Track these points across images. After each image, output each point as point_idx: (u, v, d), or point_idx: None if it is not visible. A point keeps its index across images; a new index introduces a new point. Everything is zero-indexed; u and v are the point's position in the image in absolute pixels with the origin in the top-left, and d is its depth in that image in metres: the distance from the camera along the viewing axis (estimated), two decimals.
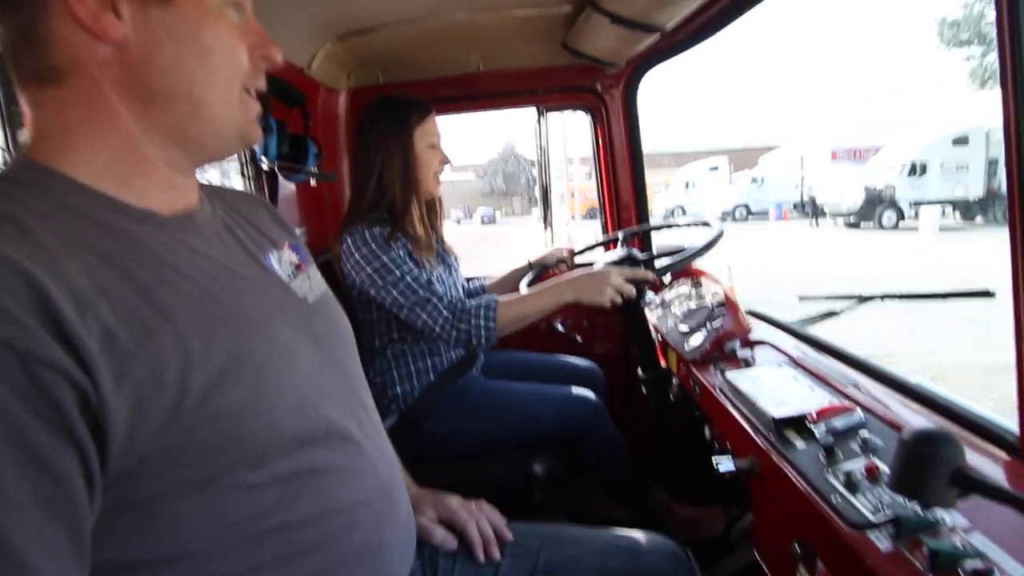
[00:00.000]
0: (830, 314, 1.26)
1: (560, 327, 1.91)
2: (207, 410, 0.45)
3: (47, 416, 0.38)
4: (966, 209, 17.12)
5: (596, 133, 1.89)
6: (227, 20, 0.53)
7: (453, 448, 1.36)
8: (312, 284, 0.66)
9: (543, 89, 1.85)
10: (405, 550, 0.66)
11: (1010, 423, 0.67)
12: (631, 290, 1.24)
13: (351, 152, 1.87)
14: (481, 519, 0.83)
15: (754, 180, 24.39)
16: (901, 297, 1.13)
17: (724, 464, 0.84)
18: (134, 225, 0.49)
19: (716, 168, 26.38)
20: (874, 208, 16.84)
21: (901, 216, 16.56)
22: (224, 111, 0.54)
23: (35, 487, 0.37)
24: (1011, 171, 0.57)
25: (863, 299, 1.18)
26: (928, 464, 0.45)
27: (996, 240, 11.42)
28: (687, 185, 26.36)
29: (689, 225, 1.57)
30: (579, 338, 1.91)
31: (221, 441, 0.47)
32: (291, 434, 0.52)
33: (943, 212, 16.61)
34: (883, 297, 1.14)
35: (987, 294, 1.01)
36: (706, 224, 1.40)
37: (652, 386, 1.43)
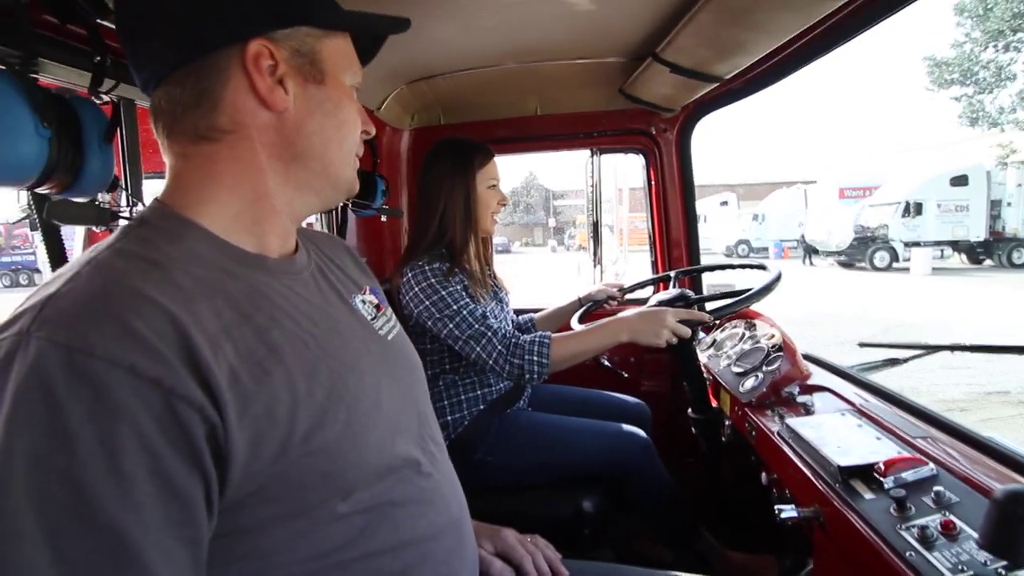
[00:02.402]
0: (892, 362, 1.23)
1: (607, 363, 1.91)
2: (309, 446, 0.50)
3: (183, 448, 0.42)
4: (971, 251, 16.38)
5: (649, 174, 1.92)
6: (354, 99, 0.63)
7: (501, 479, 1.37)
8: (390, 323, 0.71)
9: (598, 132, 1.91)
10: None
11: None
12: (687, 331, 1.24)
13: (412, 188, 1.96)
14: (537, 555, 0.84)
15: (755, 217, 24.23)
16: (971, 349, 1.09)
17: (787, 512, 0.82)
18: (249, 270, 0.55)
19: (726, 203, 26.21)
20: (866, 248, 16.31)
21: (895, 257, 15.96)
22: (344, 170, 0.63)
23: (167, 511, 0.42)
24: None
25: (930, 349, 1.15)
26: (1022, 524, 0.45)
27: (992, 284, 11.40)
28: (702, 219, 26.20)
29: (744, 267, 1.57)
30: (626, 374, 1.91)
31: (317, 476, 0.51)
32: (374, 468, 0.56)
33: (942, 254, 16.09)
34: (952, 348, 1.11)
35: None
36: (762, 267, 1.40)
37: (703, 427, 1.41)
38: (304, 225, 0.74)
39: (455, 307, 1.31)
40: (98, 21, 0.80)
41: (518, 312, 1.71)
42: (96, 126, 0.80)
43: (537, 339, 1.29)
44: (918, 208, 16.16)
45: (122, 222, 0.96)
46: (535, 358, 1.27)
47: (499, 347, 1.29)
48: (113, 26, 0.81)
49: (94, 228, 0.93)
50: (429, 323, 1.33)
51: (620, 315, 1.30)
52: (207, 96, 0.54)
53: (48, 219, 0.83)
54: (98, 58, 0.80)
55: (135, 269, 0.47)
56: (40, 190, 0.79)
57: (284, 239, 0.61)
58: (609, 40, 1.40)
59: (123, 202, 0.96)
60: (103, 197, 0.92)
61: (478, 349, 1.30)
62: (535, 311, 1.74)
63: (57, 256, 0.88)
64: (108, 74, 0.83)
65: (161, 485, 0.41)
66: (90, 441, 0.39)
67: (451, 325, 1.31)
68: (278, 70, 0.55)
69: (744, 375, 1.25)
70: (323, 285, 0.64)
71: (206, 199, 0.55)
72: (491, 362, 1.29)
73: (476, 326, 1.30)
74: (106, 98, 0.88)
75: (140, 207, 0.96)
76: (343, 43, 0.61)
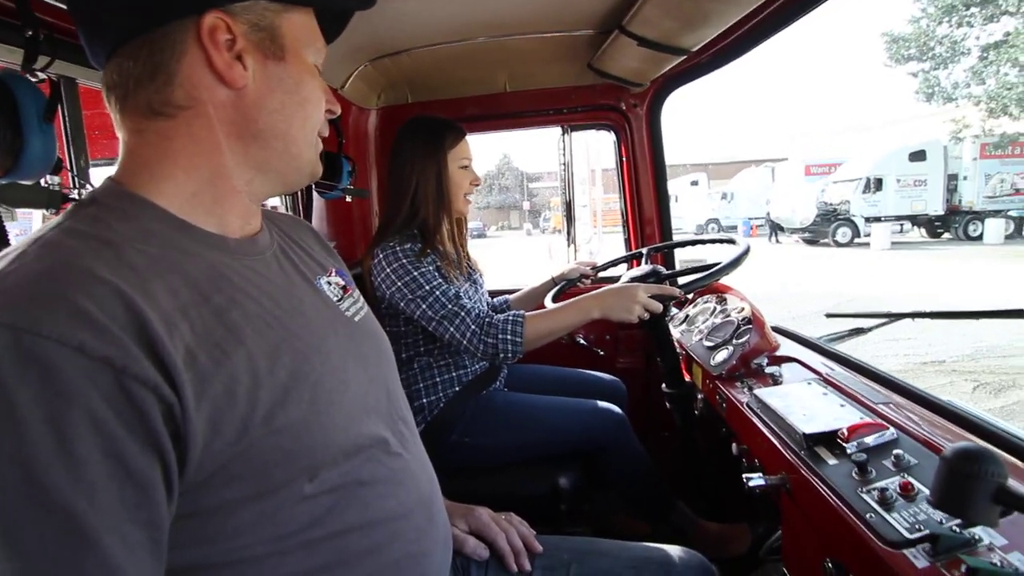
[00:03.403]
0: (857, 331, 1.25)
1: (583, 341, 1.92)
2: (271, 426, 0.49)
3: (137, 428, 0.41)
4: (930, 225, 16.82)
5: (620, 151, 1.91)
6: (317, 77, 0.61)
7: (478, 460, 1.38)
8: (357, 304, 0.70)
9: (568, 108, 1.89)
10: (443, 561, 0.68)
11: None
12: (658, 306, 1.25)
13: (380, 169, 1.92)
14: (511, 531, 0.85)
15: (724, 196, 24.60)
16: (932, 315, 1.12)
17: (755, 480, 0.84)
18: (208, 250, 0.53)
19: (696, 183, 26.49)
20: (829, 224, 16.59)
21: (857, 233, 16.28)
22: (306, 150, 0.61)
23: (123, 493, 0.41)
24: None
25: (892, 317, 1.18)
26: (971, 481, 0.46)
27: (948, 258, 11.81)
28: (673, 199, 26.44)
29: (713, 241, 1.58)
30: (601, 352, 1.92)
31: (281, 455, 0.50)
32: (341, 447, 0.55)
33: (901, 228, 16.48)
34: (913, 315, 1.14)
35: (1022, 314, 1.00)
36: (731, 241, 1.41)
37: (677, 401, 1.43)
38: (268, 208, 0.71)
39: (427, 287, 1.29)
40: None
41: (493, 294, 1.70)
42: (34, 105, 0.76)
43: (511, 318, 1.28)
44: (878, 184, 16.44)
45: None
46: (509, 336, 1.27)
47: (472, 327, 1.28)
48: None
49: (46, 212, 0.89)
50: (402, 304, 1.32)
51: (592, 292, 1.31)
52: (161, 69, 0.52)
53: None
54: (30, 32, 0.76)
55: (85, 248, 0.45)
56: None
57: (245, 220, 0.59)
58: (576, 12, 1.38)
59: (72, 184, 0.92)
60: (53, 180, 0.88)
61: (451, 329, 1.29)
62: (510, 292, 1.74)
63: (0, 242, 0.84)
64: (43, 51, 0.79)
65: (115, 467, 0.40)
66: (39, 424, 0.38)
67: (424, 306, 1.29)
68: (236, 45, 0.53)
69: (715, 348, 1.27)
70: (286, 266, 0.63)
71: (161, 177, 0.53)
72: (465, 342, 1.28)
73: (449, 306, 1.29)
74: (43, 76, 0.83)
75: (88, 188, 0.92)
76: (305, 18, 0.59)
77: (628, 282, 1.35)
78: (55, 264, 0.43)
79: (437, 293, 1.30)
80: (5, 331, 0.39)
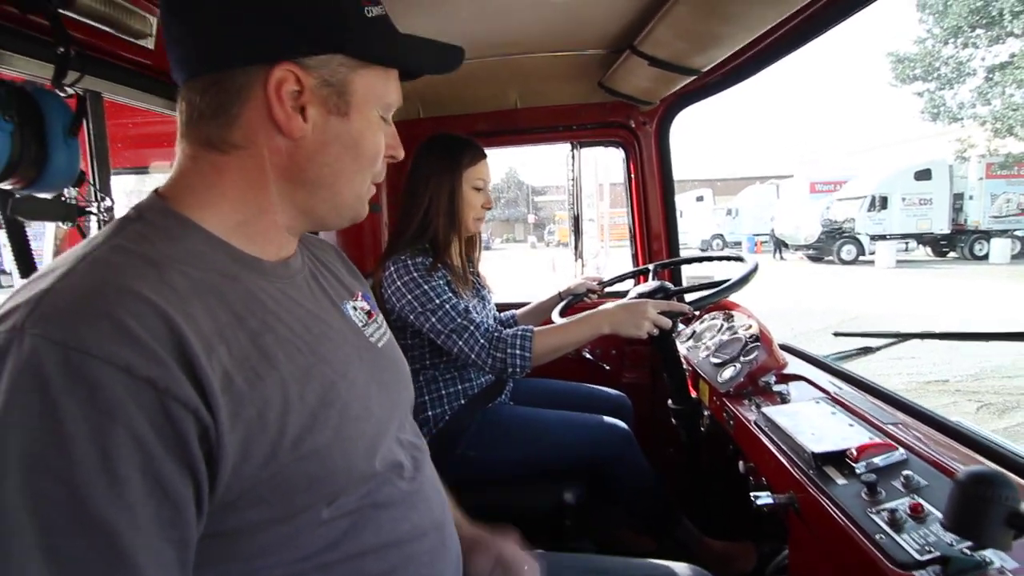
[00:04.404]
0: (866, 350, 1.25)
1: (588, 355, 1.93)
2: (299, 451, 0.50)
3: (175, 449, 0.42)
4: (935, 244, 16.78)
5: (629, 168, 1.93)
6: (381, 128, 0.61)
7: (483, 473, 1.37)
8: (380, 330, 0.71)
9: (578, 125, 1.91)
10: None
11: None
12: (667, 322, 1.25)
13: (392, 184, 1.94)
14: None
15: (728, 212, 24.57)
16: (941, 336, 1.12)
17: (763, 499, 0.84)
18: (246, 272, 0.54)
19: (702, 198, 26.50)
20: (834, 241, 16.60)
21: (861, 251, 16.29)
22: (351, 199, 0.61)
23: (159, 512, 0.41)
24: None
25: (901, 337, 1.18)
26: (985, 505, 0.46)
27: (954, 277, 11.82)
28: (678, 214, 26.42)
29: (722, 259, 1.59)
30: (607, 367, 1.92)
31: (306, 480, 0.51)
32: (362, 473, 0.56)
33: (906, 247, 16.40)
34: (922, 336, 1.14)
35: None
36: (739, 259, 1.42)
37: (683, 417, 1.43)
38: None
39: (438, 301, 1.30)
40: (61, 11, 0.78)
41: (500, 308, 1.71)
42: (60, 119, 0.78)
43: (519, 332, 1.29)
44: (883, 202, 16.45)
45: (93, 219, 0.94)
46: (517, 352, 1.27)
47: (481, 340, 1.29)
48: (77, 16, 0.79)
49: (60, 224, 0.91)
50: (411, 317, 1.32)
51: (601, 307, 1.31)
52: (224, 111, 0.53)
53: (12, 216, 0.81)
54: (61, 49, 0.78)
55: (130, 267, 0.46)
56: (3, 186, 0.77)
57: (281, 247, 0.60)
58: (587, 32, 1.40)
59: (91, 197, 0.94)
60: (70, 192, 0.89)
61: (460, 343, 1.29)
62: (517, 306, 1.74)
63: (22, 255, 0.86)
64: (72, 66, 0.81)
65: (154, 486, 0.41)
66: (85, 441, 0.39)
67: (434, 319, 1.30)
68: (302, 97, 0.53)
69: (722, 365, 1.27)
70: (316, 290, 0.63)
71: (208, 204, 0.54)
72: (473, 356, 1.29)
73: (459, 320, 1.30)
74: (71, 91, 0.85)
75: (108, 202, 0.93)
76: (383, 74, 0.59)
77: (636, 298, 1.36)
78: (103, 282, 0.44)
79: (447, 307, 1.30)
80: (56, 348, 0.39)
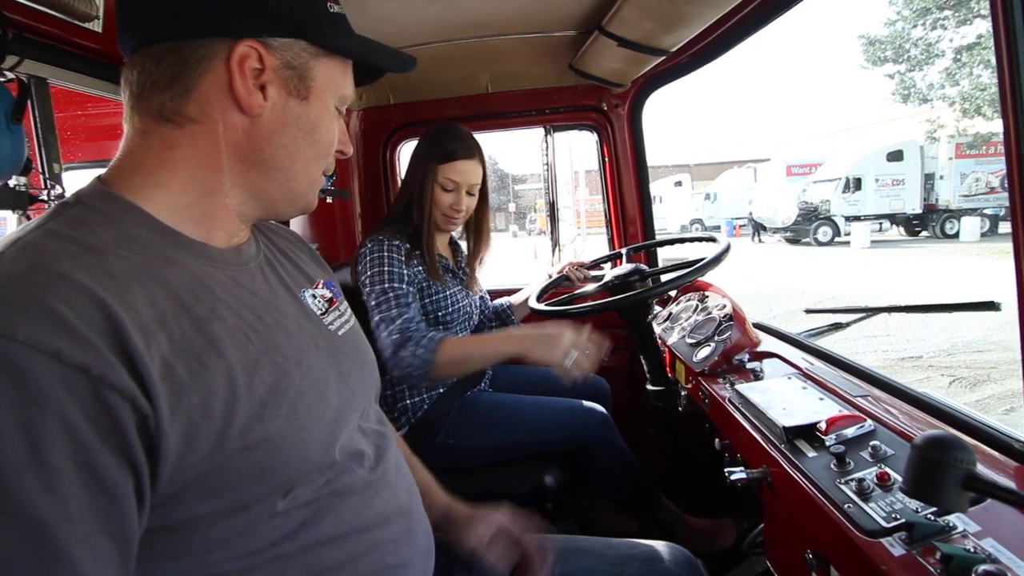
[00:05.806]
0: (836, 326, 1.27)
1: None
2: (247, 440, 0.48)
3: (111, 438, 0.40)
4: (908, 224, 17.17)
5: (602, 151, 1.93)
6: (336, 119, 0.61)
7: (463, 460, 1.37)
8: (343, 318, 0.69)
9: (551, 109, 1.89)
10: (423, 571, 0.67)
11: (1017, 431, 0.69)
12: (586, 365, 1.18)
13: (363, 170, 1.91)
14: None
15: (707, 196, 24.84)
16: (907, 309, 1.14)
17: (736, 474, 0.85)
18: (192, 258, 0.52)
19: (680, 184, 26.77)
20: (810, 223, 16.89)
21: (837, 232, 16.60)
22: (305, 186, 0.61)
23: (94, 504, 0.40)
24: (1012, 182, 0.59)
25: (870, 312, 1.20)
26: (941, 468, 0.46)
27: (926, 255, 12.09)
28: (657, 199, 26.72)
29: (693, 239, 1.59)
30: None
31: (256, 471, 0.49)
32: (317, 464, 0.55)
33: (880, 227, 16.80)
34: (889, 310, 1.16)
35: (992, 306, 1.03)
36: (712, 239, 1.43)
37: (660, 398, 1.44)
38: None
39: (386, 284, 1.29)
40: None
41: (493, 295, 1.70)
42: (1, 105, 0.75)
43: (431, 335, 1.24)
44: (857, 183, 16.75)
45: (47, 207, 0.90)
46: (420, 351, 1.20)
47: (396, 335, 1.23)
48: None
49: (17, 213, 0.87)
50: (363, 291, 1.30)
51: (523, 329, 1.30)
52: (181, 80, 0.51)
53: None
54: None
55: (65, 252, 0.44)
56: None
57: (231, 234, 0.59)
58: (556, 13, 1.39)
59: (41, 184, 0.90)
60: (19, 180, 0.86)
61: (381, 331, 1.25)
62: (508, 292, 1.73)
63: None
64: (11, 50, 0.77)
65: (88, 476, 0.39)
66: (12, 431, 0.37)
67: (372, 300, 1.28)
68: (263, 76, 0.53)
69: (698, 345, 1.28)
70: (271, 278, 0.62)
71: (155, 184, 0.53)
72: (383, 349, 1.22)
73: (393, 310, 1.25)
74: (11, 75, 0.81)
75: (57, 190, 0.90)
76: (341, 66, 0.60)
77: (604, 289, 1.38)
78: (33, 268, 0.42)
79: (391, 293, 1.27)
80: None
